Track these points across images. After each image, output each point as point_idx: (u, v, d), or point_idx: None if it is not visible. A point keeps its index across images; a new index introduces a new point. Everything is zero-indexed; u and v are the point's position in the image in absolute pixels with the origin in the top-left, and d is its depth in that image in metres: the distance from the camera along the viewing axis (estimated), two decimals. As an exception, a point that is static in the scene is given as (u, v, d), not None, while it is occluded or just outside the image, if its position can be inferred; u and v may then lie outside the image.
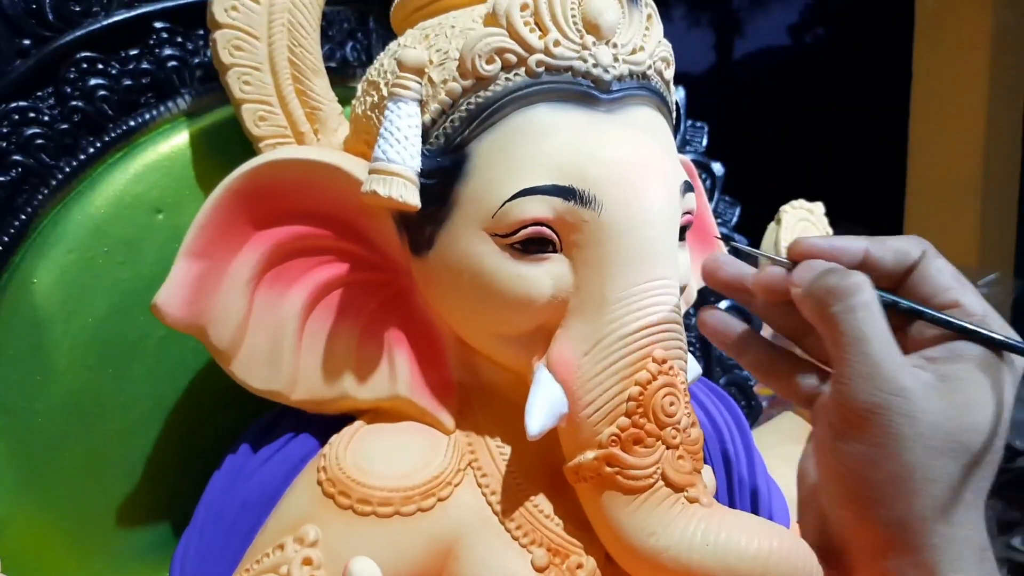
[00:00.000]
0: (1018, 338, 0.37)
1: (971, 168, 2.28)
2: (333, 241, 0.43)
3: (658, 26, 0.42)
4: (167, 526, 0.49)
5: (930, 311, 0.38)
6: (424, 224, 0.41)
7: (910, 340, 0.38)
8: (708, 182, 0.68)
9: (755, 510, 0.49)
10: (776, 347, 0.42)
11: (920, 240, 0.39)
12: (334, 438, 0.43)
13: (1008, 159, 2.36)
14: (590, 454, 0.39)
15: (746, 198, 0.70)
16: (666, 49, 0.43)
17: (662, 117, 0.43)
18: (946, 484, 0.36)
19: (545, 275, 0.39)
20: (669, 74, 0.43)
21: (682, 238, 0.43)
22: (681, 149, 0.67)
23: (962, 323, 0.37)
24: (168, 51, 0.49)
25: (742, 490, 0.50)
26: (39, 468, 0.46)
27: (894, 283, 0.39)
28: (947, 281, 0.38)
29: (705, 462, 0.46)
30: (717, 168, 0.68)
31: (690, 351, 0.57)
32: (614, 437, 0.38)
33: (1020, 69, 2.34)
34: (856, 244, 0.39)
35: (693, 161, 0.67)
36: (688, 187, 0.42)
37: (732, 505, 0.49)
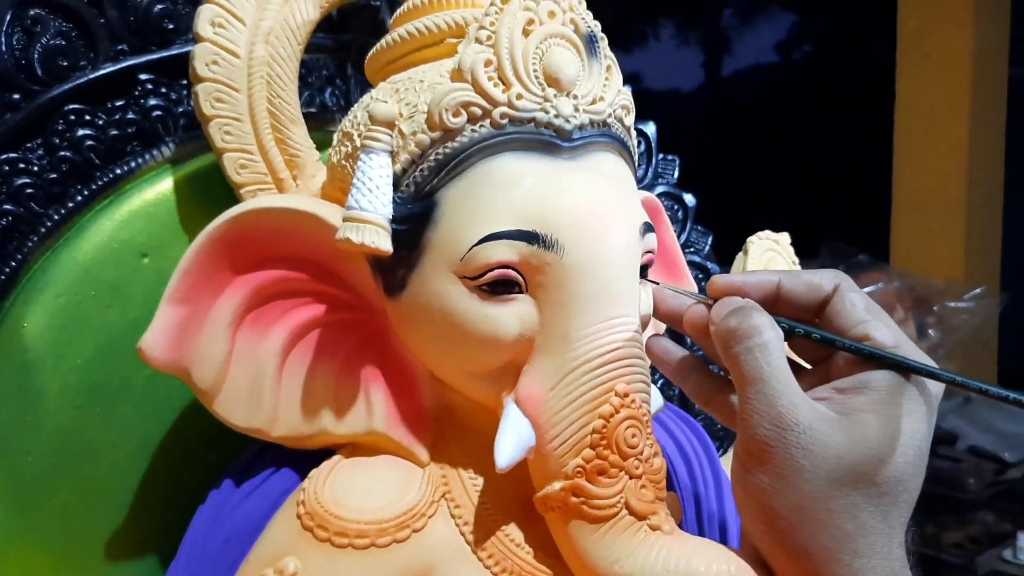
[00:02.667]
0: (931, 363, 0.38)
1: (956, 183, 2.30)
2: (311, 284, 0.45)
3: (617, 76, 0.44)
4: (154, 560, 0.50)
5: (840, 339, 0.39)
6: (397, 267, 0.43)
7: (833, 368, 0.40)
8: (680, 212, 0.70)
9: (722, 535, 0.51)
10: (715, 375, 0.44)
11: (836, 273, 0.41)
12: (313, 472, 0.45)
13: (992, 174, 2.38)
14: (557, 485, 0.40)
15: (741, 207, 0.71)
16: (626, 97, 0.45)
17: (623, 162, 0.45)
18: (849, 514, 0.37)
19: (512, 315, 0.41)
20: (629, 120, 0.45)
21: (644, 275, 0.44)
22: (653, 182, 0.69)
23: (869, 349, 0.38)
24: (152, 101, 0.51)
25: (710, 515, 0.51)
26: (29, 505, 0.48)
27: (812, 314, 0.41)
28: (859, 315, 0.39)
29: (672, 489, 0.47)
30: (689, 199, 0.70)
31: (659, 380, 0.58)
32: (579, 468, 0.40)
33: (1001, 85, 2.36)
34: (769, 278, 0.41)
35: (666, 193, 0.69)
36: (648, 228, 0.44)
37: (700, 531, 0.51)
